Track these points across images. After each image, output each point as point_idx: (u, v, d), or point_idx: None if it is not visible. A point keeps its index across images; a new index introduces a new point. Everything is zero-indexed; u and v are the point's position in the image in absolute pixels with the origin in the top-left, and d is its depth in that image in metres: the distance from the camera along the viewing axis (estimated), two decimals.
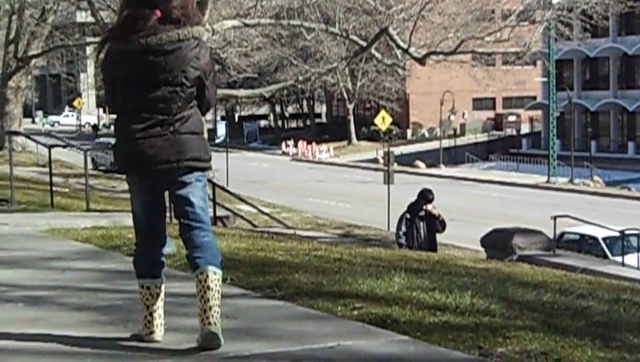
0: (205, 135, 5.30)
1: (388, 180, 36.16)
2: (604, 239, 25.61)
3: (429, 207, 16.00)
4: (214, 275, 5.23)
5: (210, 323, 5.16)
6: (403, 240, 15.93)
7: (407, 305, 6.35)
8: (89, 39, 42.42)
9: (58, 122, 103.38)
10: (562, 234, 25.98)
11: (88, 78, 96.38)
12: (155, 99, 5.23)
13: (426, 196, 16.14)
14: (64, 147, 23.24)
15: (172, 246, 7.87)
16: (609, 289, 8.55)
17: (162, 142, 5.23)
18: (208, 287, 5.19)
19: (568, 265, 13.57)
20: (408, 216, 16.08)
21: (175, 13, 5.24)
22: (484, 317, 6.13)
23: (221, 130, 76.11)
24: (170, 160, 5.24)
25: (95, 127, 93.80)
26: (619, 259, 22.64)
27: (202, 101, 5.43)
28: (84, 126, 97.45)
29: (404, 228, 15.98)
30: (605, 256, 24.63)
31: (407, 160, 65.73)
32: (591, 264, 16.19)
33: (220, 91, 37.98)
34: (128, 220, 13.68)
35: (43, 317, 6.21)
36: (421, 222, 15.97)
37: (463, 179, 56.79)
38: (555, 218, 22.31)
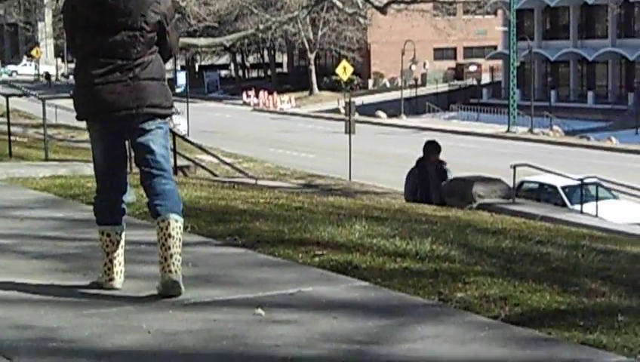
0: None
1: (349, 130, 36.12)
2: (563, 188, 25.80)
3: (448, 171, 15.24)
4: (175, 223, 5.21)
5: (170, 271, 5.15)
6: (413, 198, 14.93)
7: (368, 252, 6.38)
8: None
9: (16, 72, 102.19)
10: (522, 183, 26.12)
11: (46, 27, 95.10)
12: (114, 44, 5.16)
13: (434, 148, 15.39)
14: (21, 96, 22.98)
15: (132, 195, 7.83)
16: (568, 236, 8.63)
17: (121, 88, 5.17)
18: (169, 235, 5.18)
19: (527, 213, 13.62)
20: (417, 172, 15.28)
21: None
22: (444, 263, 6.17)
23: (181, 79, 75.42)
24: (129, 106, 5.19)
25: (48, 76, 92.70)
26: (578, 207, 22.81)
27: (164, 47, 5.38)
28: (42, 75, 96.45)
29: (410, 186, 15.22)
30: (564, 205, 24.81)
31: (368, 110, 65.74)
32: (550, 212, 16.27)
33: (179, 40, 37.62)
34: (87, 169, 13.59)
35: (1, 265, 6.17)
36: (430, 177, 15.12)
37: (424, 129, 56.88)
38: (514, 167, 22.39)
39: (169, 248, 5.17)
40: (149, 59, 5.26)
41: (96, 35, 5.19)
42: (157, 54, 5.34)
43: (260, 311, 4.94)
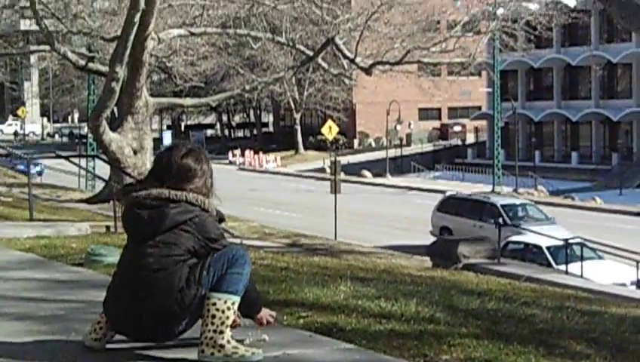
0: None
1: (335, 190, 36.19)
2: (548, 248, 25.87)
3: None
4: (207, 300, 5.16)
5: (203, 350, 5.10)
6: None
7: (353, 314, 6.36)
8: (33, 47, 41.90)
9: (1, 131, 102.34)
10: (507, 243, 26.19)
11: (32, 87, 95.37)
12: (138, 255, 5.15)
13: None
14: (6, 156, 23.00)
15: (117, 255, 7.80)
16: (553, 297, 8.63)
17: (141, 305, 5.10)
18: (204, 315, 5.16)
19: (513, 274, 13.66)
20: None
21: (182, 190, 5.29)
22: (429, 324, 6.15)
23: (167, 139, 75.81)
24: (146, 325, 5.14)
25: (16, 134, 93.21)
26: (563, 267, 22.86)
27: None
28: (27, 135, 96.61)
29: None
30: (549, 265, 24.86)
31: (354, 169, 65.98)
32: (535, 272, 16.30)
33: (165, 100, 37.75)
34: (72, 230, 13.55)
35: None
36: None
37: (409, 189, 57.06)
38: (499, 226, 22.50)
39: (202, 325, 5.15)
40: (172, 270, 5.11)
41: (127, 247, 5.25)
42: (186, 266, 5.15)
43: None
